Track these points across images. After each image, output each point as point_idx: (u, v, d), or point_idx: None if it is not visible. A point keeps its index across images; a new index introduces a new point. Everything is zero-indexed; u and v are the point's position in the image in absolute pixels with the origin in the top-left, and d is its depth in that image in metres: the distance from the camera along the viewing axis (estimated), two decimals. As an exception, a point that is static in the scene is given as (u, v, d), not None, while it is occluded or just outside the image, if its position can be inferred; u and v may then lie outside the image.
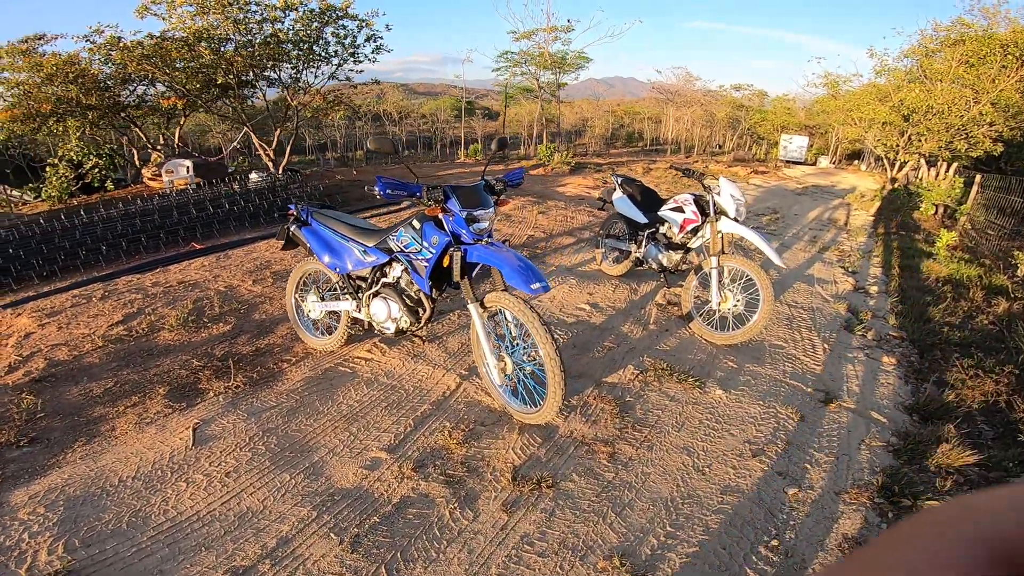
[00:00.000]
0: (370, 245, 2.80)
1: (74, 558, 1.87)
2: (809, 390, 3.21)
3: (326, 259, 2.98)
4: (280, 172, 8.83)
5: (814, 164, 21.61)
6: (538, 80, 17.25)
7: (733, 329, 3.68)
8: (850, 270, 5.92)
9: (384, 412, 2.75)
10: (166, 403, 2.85)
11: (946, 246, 6.78)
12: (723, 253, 3.81)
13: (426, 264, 2.54)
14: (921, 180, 12.55)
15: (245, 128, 10.00)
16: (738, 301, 3.71)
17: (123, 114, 9.42)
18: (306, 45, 9.47)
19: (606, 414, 2.79)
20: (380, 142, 2.34)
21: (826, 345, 3.88)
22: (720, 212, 3.80)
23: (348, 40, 9.96)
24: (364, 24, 10.01)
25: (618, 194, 4.69)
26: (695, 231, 4.03)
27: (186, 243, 6.07)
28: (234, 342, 3.56)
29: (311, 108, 10.68)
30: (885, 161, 14.54)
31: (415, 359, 3.27)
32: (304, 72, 10.07)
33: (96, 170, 9.13)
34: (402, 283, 2.79)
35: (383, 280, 2.83)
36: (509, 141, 3.52)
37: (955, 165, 11.30)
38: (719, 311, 3.76)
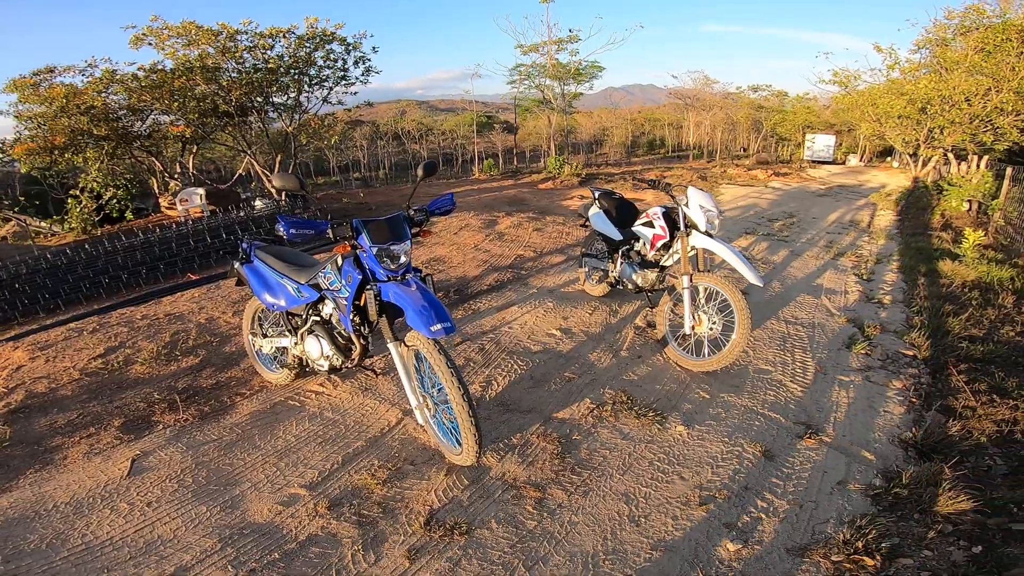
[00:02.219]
0: (302, 282, 2.76)
1: (-9, 573, 1.93)
2: (787, 423, 2.93)
3: (266, 297, 2.95)
4: (283, 198, 9.03)
5: (843, 163, 20.76)
6: (546, 91, 17.22)
7: (710, 354, 3.45)
8: (865, 278, 5.55)
9: (317, 448, 2.70)
10: (117, 435, 2.91)
11: (973, 246, 6.27)
12: (697, 270, 3.59)
13: (345, 302, 2.48)
14: (951, 175, 11.84)
15: (247, 155, 10.35)
16: (714, 323, 3.47)
17: (136, 143, 9.87)
18: (296, 72, 9.74)
19: (546, 454, 2.64)
20: (284, 179, 2.30)
21: (820, 367, 3.58)
22: (690, 225, 3.59)
23: (340, 63, 10.20)
24: (352, 47, 10.23)
25: (594, 209, 4.53)
26: (666, 247, 3.83)
27: (184, 274, 6.23)
28: (199, 375, 3.59)
29: (306, 133, 10.98)
30: (907, 157, 13.82)
31: (364, 393, 3.21)
32: (300, 96, 10.35)
33: (114, 201, 9.57)
34: (333, 320, 2.73)
35: (314, 318, 2.78)
36: (439, 164, 3.42)
37: (986, 158, 10.58)
38: (694, 335, 3.54)
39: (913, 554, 2.02)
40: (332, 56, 10.30)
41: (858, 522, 2.16)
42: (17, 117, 8.90)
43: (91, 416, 3.13)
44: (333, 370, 2.81)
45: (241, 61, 9.48)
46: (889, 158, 20.64)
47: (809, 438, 2.78)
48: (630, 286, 4.08)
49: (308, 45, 9.81)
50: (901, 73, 13.21)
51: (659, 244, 3.79)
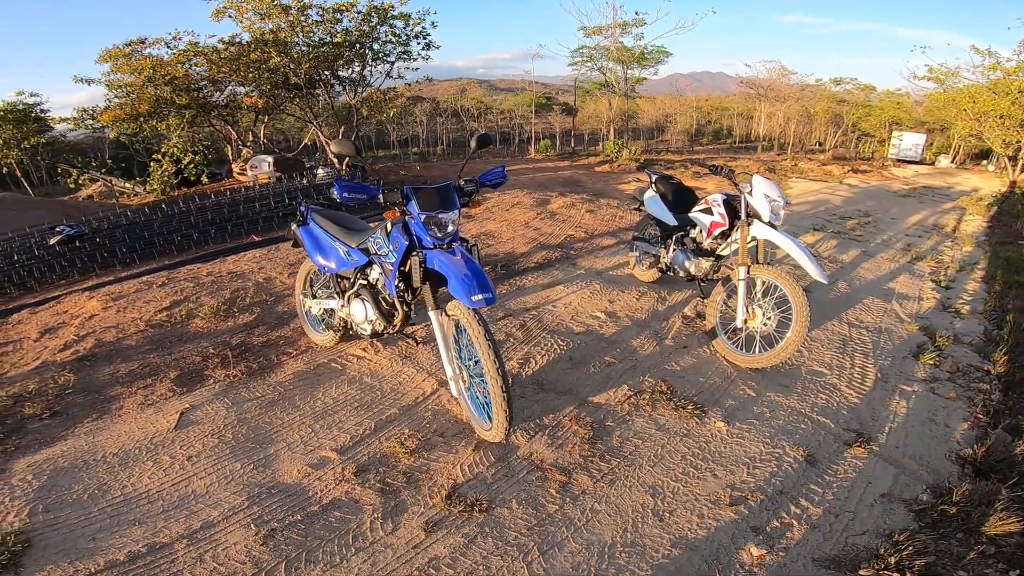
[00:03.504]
0: (353, 246, 2.81)
1: (32, 521, 2.07)
2: (836, 429, 2.77)
3: (318, 259, 3.03)
4: (344, 168, 9.30)
5: (932, 164, 19.13)
6: (606, 75, 16.79)
7: (761, 350, 3.28)
8: (943, 285, 5.11)
9: (352, 412, 2.76)
10: (171, 387, 3.04)
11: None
12: (756, 262, 3.40)
13: (391, 267, 2.50)
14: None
15: (313, 126, 10.74)
16: (769, 319, 3.29)
17: (214, 113, 10.40)
18: (360, 46, 9.94)
19: (577, 438, 2.59)
20: (342, 145, 2.33)
21: (881, 374, 3.35)
22: (752, 215, 3.40)
23: (402, 39, 10.35)
24: (414, 23, 10.41)
25: (650, 193, 4.37)
26: (724, 235, 3.65)
27: (248, 235, 6.54)
28: (251, 332, 3.75)
29: (368, 105, 11.24)
30: (1005, 160, 12.57)
31: (403, 360, 3.25)
32: (364, 70, 10.61)
33: (192, 165, 10.16)
34: (379, 285, 2.77)
35: (360, 281, 2.83)
36: (492, 138, 3.36)
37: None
38: (746, 329, 3.37)
39: (948, 574, 1.89)
40: (394, 31, 10.46)
41: (896, 536, 2.04)
42: (108, 86, 9.58)
43: (150, 367, 3.28)
44: (375, 335, 2.86)
45: (310, 34, 9.77)
46: (985, 161, 18.85)
47: (858, 446, 2.62)
48: (682, 274, 3.92)
49: (372, 19, 9.98)
50: (1003, 74, 11.99)
51: (717, 232, 3.60)
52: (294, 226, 3.28)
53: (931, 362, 3.52)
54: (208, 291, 4.54)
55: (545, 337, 3.56)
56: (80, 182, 10.78)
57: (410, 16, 10.28)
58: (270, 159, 10.00)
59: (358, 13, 9.80)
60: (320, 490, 2.24)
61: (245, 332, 3.75)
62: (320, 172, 9.08)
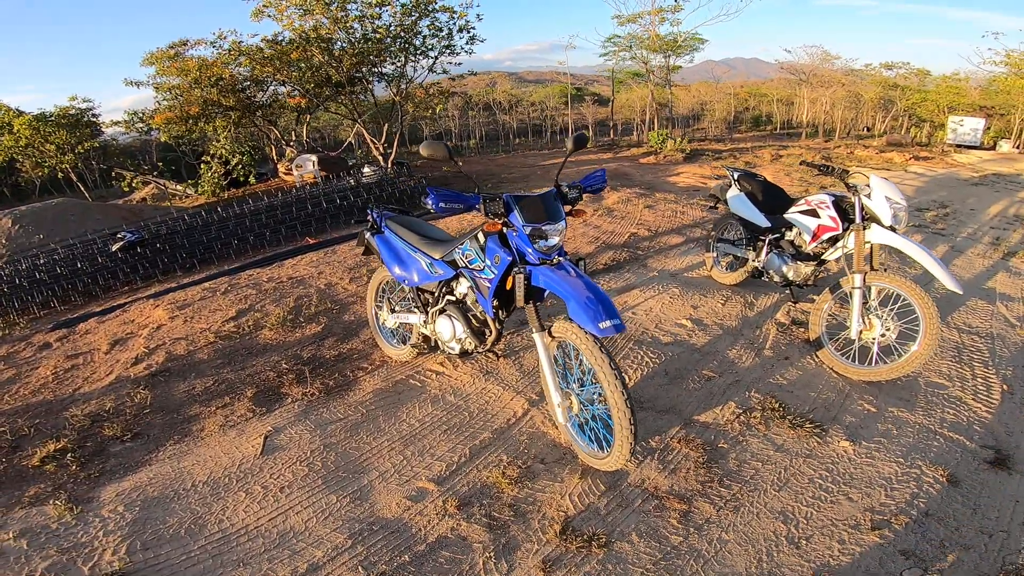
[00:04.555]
0: (437, 258, 2.61)
1: (132, 560, 1.97)
2: (973, 446, 2.53)
3: (396, 270, 2.86)
4: (390, 165, 9.21)
5: (992, 148, 18.04)
6: (647, 64, 16.29)
7: (878, 363, 2.98)
8: (1046, 282, 4.66)
9: (442, 436, 2.59)
10: (250, 406, 2.94)
11: None
12: (872, 269, 3.10)
13: (488, 284, 2.29)
14: None
15: (357, 124, 10.66)
16: (888, 330, 2.99)
17: (258, 113, 10.43)
18: (402, 41, 9.79)
19: (689, 462, 2.37)
20: (433, 148, 2.13)
21: (1007, 386, 3.02)
22: (870, 218, 3.09)
23: (444, 32, 10.14)
24: (456, 16, 10.22)
25: (734, 191, 4.06)
26: (833, 240, 3.34)
27: (302, 237, 6.48)
28: (322, 344, 3.63)
29: (413, 102, 11.09)
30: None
31: (486, 377, 3.07)
32: (406, 66, 10.48)
33: (240, 167, 10.23)
34: (468, 301, 2.57)
35: (448, 297, 2.64)
36: (588, 137, 3.13)
37: None
38: (860, 340, 3.07)
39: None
40: (436, 25, 10.29)
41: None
42: (156, 88, 9.70)
43: (225, 384, 3.18)
44: (464, 354, 2.67)
45: (351, 31, 9.67)
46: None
47: (999, 464, 2.40)
48: (777, 278, 3.62)
49: (413, 14, 9.82)
50: None
51: (825, 236, 3.29)
52: (368, 234, 3.11)
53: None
54: (271, 299, 4.47)
55: (632, 348, 3.33)
56: (134, 185, 11.01)
57: (454, 9, 10.07)
58: (314, 158, 10.00)
59: (400, 7, 9.64)
60: (424, 526, 2.08)
61: (315, 344, 3.63)
62: (366, 170, 9.01)
